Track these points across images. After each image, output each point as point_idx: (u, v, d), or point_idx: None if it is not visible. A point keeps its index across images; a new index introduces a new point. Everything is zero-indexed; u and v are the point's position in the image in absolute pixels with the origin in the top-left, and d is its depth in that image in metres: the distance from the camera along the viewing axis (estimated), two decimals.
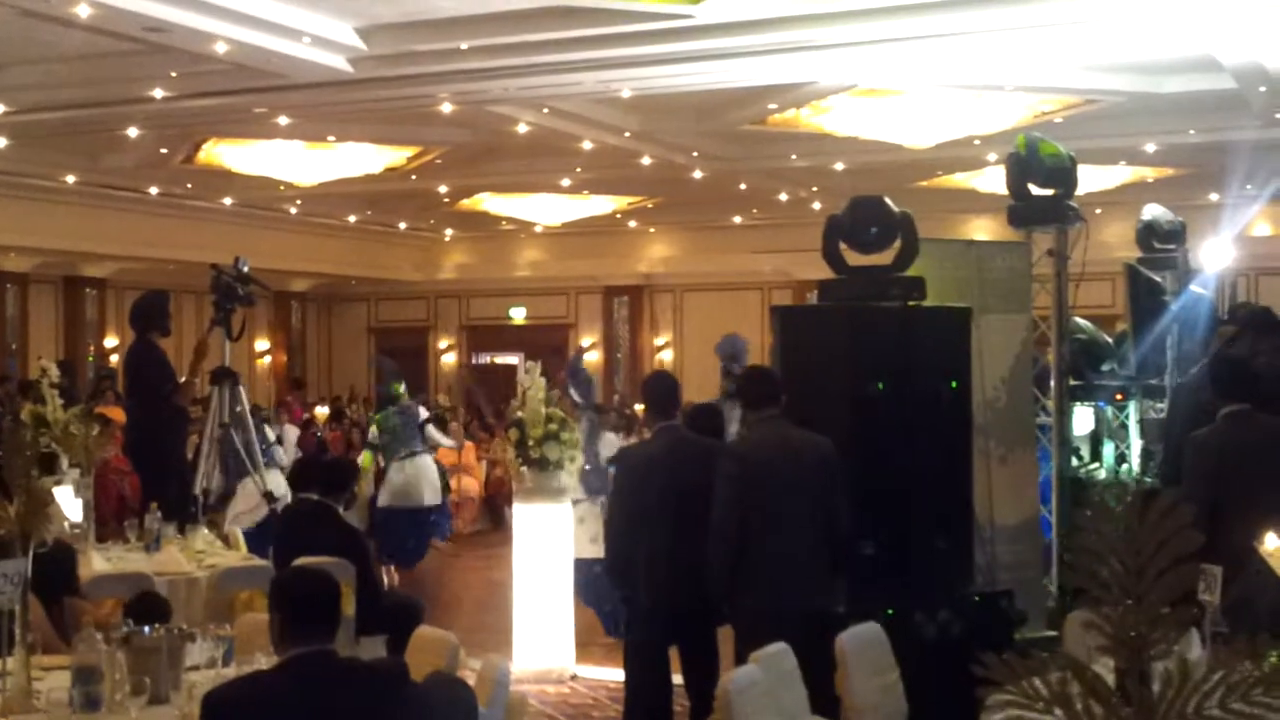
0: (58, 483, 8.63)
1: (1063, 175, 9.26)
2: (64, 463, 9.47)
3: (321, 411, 21.85)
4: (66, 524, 7.92)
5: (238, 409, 10.93)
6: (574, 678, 9.69)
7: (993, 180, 17.45)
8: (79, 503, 8.74)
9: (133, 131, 14.96)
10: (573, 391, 11.59)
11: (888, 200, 7.67)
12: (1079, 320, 10.11)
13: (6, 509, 5.13)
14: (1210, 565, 4.84)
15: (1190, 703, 2.28)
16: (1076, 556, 2.41)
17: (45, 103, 13.39)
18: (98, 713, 4.69)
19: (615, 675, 8.46)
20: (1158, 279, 10.50)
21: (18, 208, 18.60)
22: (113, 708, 4.74)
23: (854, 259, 7.70)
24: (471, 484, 17.78)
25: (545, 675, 9.54)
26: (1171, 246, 10.78)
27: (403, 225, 24.63)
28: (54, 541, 5.52)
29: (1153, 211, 11.03)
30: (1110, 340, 10.90)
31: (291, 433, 17.70)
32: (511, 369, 24.00)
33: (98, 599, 6.87)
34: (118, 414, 12.75)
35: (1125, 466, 10.23)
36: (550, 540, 9.79)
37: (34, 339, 21.25)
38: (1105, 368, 10.35)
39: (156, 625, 5.20)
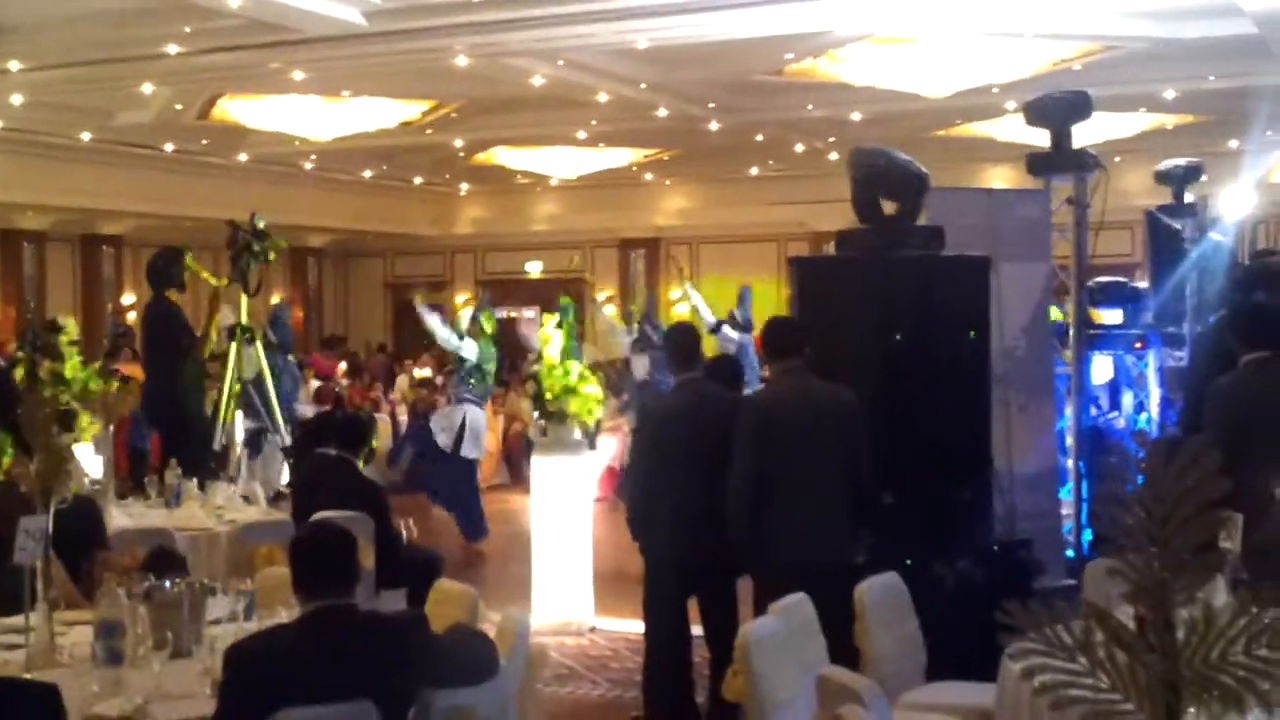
0: (76, 440, 8.66)
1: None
2: (83, 419, 9.49)
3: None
4: (86, 480, 7.96)
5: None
6: (593, 630, 9.73)
7: (1011, 128, 17.31)
8: (99, 459, 8.77)
9: (147, 88, 14.91)
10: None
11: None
12: None
13: (27, 466, 5.15)
14: (1231, 512, 4.81)
15: (1215, 649, 2.27)
16: (1100, 504, 2.39)
17: (60, 60, 13.33)
18: (120, 666, 4.70)
19: (635, 627, 8.47)
20: (1177, 226, 10.44)
21: (34, 166, 18.59)
22: (135, 662, 4.76)
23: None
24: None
25: (565, 627, 9.58)
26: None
27: (418, 180, 24.54)
28: (74, 497, 5.52)
29: (1170, 161, 10.99)
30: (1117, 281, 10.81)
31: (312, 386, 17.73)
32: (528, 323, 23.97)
33: (120, 553, 6.90)
34: (136, 371, 12.78)
35: (1144, 415, 10.19)
36: (569, 493, 9.81)
37: (51, 297, 21.28)
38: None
39: (178, 580, 5.21)
